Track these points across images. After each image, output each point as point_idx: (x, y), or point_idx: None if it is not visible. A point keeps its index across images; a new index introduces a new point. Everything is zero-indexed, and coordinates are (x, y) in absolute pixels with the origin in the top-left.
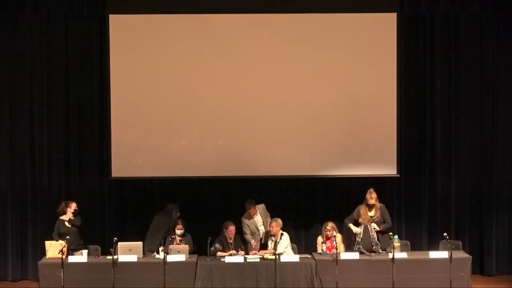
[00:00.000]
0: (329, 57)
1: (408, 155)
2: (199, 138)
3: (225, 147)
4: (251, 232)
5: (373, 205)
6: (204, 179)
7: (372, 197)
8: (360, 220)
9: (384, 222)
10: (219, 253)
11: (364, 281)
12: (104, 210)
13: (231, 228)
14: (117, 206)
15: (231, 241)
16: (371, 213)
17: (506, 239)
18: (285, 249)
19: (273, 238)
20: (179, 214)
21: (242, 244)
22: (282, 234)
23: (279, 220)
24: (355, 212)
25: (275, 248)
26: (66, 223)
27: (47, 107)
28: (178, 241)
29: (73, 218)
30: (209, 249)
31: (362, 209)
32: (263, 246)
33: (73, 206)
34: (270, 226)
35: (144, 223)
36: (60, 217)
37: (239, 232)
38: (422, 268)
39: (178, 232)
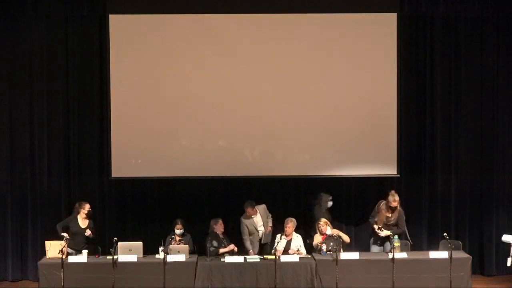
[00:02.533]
0: (329, 57)
1: (408, 155)
2: (199, 138)
3: (225, 147)
4: (249, 232)
5: (395, 207)
6: (204, 179)
7: (395, 199)
8: (375, 219)
9: (397, 225)
10: (221, 250)
11: (364, 281)
12: (104, 210)
13: (220, 222)
14: (117, 206)
15: (222, 237)
16: (389, 215)
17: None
18: (299, 247)
19: (285, 237)
20: (330, 203)
21: (229, 240)
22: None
23: (295, 221)
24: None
25: (288, 246)
26: (80, 224)
27: (47, 107)
28: (177, 241)
29: (84, 220)
30: (209, 249)
31: (383, 209)
32: (262, 247)
33: (87, 207)
34: (285, 226)
35: (144, 223)
36: (78, 216)
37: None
38: (422, 268)
39: (177, 231)
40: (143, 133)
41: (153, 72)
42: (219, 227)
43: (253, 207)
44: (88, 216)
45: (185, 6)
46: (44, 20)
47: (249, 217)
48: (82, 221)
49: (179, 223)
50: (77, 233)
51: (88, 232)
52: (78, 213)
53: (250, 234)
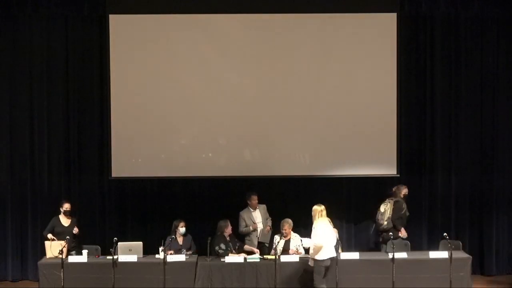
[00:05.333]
0: (329, 57)
1: (408, 155)
2: (199, 138)
3: (225, 147)
4: (246, 226)
5: None
6: (204, 179)
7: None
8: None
9: None
10: (230, 255)
11: (364, 281)
12: (104, 210)
13: (228, 224)
14: (117, 206)
15: (229, 239)
16: None
17: (506, 239)
18: (297, 247)
19: (283, 237)
20: None
21: (237, 241)
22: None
23: (290, 221)
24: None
25: (287, 246)
26: (63, 222)
27: (47, 107)
28: (180, 240)
29: (66, 218)
30: (217, 252)
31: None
32: (258, 245)
33: (65, 206)
34: (282, 228)
35: (144, 223)
36: (59, 216)
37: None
38: (422, 268)
39: (181, 230)
40: (143, 133)
41: (153, 72)
42: (227, 231)
43: (256, 196)
44: (68, 214)
45: (185, 6)
46: (44, 20)
47: (249, 209)
48: (65, 220)
49: (183, 221)
50: (61, 233)
51: (76, 230)
52: (60, 212)
53: (246, 233)
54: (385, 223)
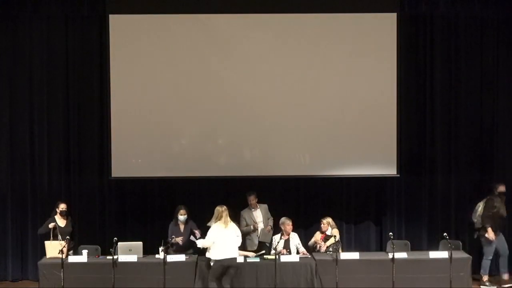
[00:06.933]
0: (329, 57)
1: (408, 155)
2: (199, 138)
3: (225, 147)
4: (247, 225)
5: None
6: (204, 179)
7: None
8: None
9: None
10: (241, 252)
11: (364, 281)
12: (104, 210)
13: None
14: (117, 206)
15: None
16: None
17: (506, 239)
18: (297, 245)
19: (282, 236)
20: None
21: None
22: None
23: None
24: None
25: (287, 246)
26: (59, 223)
27: (47, 107)
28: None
29: (62, 219)
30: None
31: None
32: (259, 245)
33: (61, 206)
34: (286, 225)
35: (144, 223)
36: (55, 216)
37: None
38: (422, 268)
39: (181, 218)
40: (143, 133)
41: (153, 72)
42: None
43: (255, 196)
44: (64, 214)
45: (185, 6)
46: (44, 20)
47: (250, 208)
48: (60, 220)
49: (183, 208)
50: (58, 233)
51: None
52: (56, 213)
53: (247, 232)
54: (476, 220)
